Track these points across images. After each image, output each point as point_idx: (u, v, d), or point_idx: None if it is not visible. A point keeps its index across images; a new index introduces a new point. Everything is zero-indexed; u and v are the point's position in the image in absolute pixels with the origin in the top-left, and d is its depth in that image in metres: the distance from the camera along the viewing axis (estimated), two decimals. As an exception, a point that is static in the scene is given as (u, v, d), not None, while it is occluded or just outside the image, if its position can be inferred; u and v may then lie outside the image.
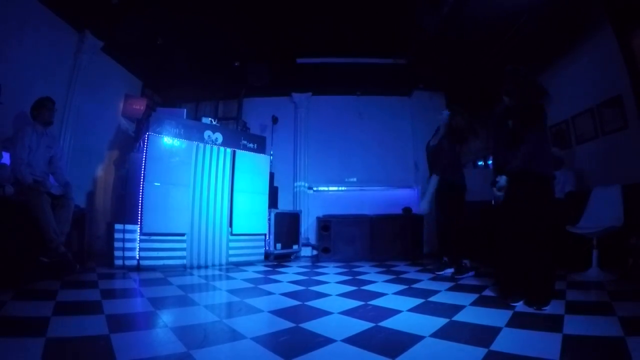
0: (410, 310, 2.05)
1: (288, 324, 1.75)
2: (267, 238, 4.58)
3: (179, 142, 3.84)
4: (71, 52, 3.95)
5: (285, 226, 4.80)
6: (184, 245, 3.75)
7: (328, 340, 1.51)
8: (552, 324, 1.67)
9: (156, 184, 3.61)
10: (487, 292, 2.49)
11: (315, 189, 5.82)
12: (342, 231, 4.76)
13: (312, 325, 1.74)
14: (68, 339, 1.40)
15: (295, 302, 2.25)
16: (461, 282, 2.99)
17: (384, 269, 3.81)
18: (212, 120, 4.39)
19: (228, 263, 4.06)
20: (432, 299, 2.34)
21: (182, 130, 3.90)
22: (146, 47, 4.40)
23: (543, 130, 2.21)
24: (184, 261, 3.72)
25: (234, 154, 4.27)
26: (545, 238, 2.10)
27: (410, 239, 4.85)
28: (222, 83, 5.68)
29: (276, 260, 4.58)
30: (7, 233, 2.45)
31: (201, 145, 4.00)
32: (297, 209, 5.44)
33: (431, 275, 3.37)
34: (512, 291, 2.15)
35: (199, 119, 4.40)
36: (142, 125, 4.19)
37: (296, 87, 5.93)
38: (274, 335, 1.59)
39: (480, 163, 7.92)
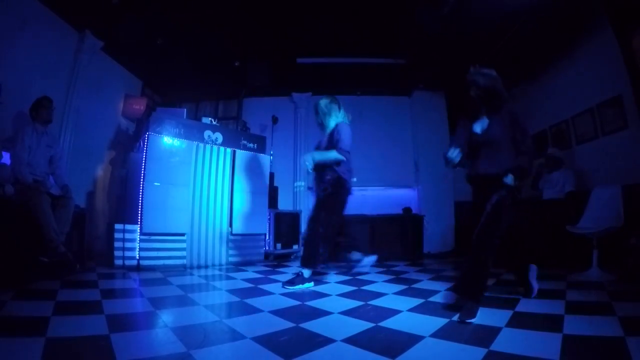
0: (410, 310, 2.04)
1: (288, 324, 1.75)
2: (267, 238, 4.58)
3: (179, 142, 3.84)
4: (71, 52, 3.95)
5: (285, 226, 4.80)
6: (184, 245, 3.75)
7: (328, 340, 1.51)
8: (552, 324, 1.67)
9: (156, 184, 3.61)
10: (487, 292, 2.49)
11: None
12: (342, 231, 4.76)
13: (312, 325, 1.74)
14: (68, 339, 1.40)
15: (295, 302, 2.25)
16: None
17: (384, 269, 3.80)
18: (212, 120, 4.38)
19: (228, 263, 4.06)
20: (432, 299, 2.34)
21: (182, 130, 3.89)
22: (146, 47, 4.40)
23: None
24: (184, 261, 3.72)
25: (234, 154, 4.27)
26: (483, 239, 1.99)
27: (411, 239, 4.85)
28: (222, 83, 5.68)
29: (276, 260, 4.57)
30: (7, 233, 2.45)
31: (201, 145, 4.00)
32: (297, 209, 5.44)
33: (431, 276, 3.37)
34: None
35: (199, 119, 4.40)
36: (142, 125, 4.19)
37: (296, 87, 5.93)
38: (274, 335, 1.58)
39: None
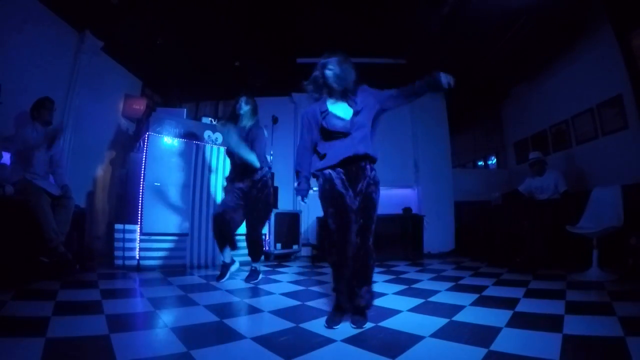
0: (410, 310, 2.05)
1: (288, 324, 1.75)
2: (267, 238, 4.58)
3: (179, 142, 3.84)
4: (71, 52, 3.95)
5: (285, 226, 4.79)
6: (184, 245, 3.75)
7: (328, 340, 1.52)
8: (552, 324, 1.67)
9: (156, 184, 3.61)
10: (487, 292, 2.49)
11: (315, 189, 5.81)
12: (342, 231, 4.76)
13: (312, 325, 1.74)
14: (68, 339, 1.40)
15: (295, 302, 2.25)
16: (461, 282, 2.99)
17: (384, 269, 3.81)
18: (212, 120, 4.38)
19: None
20: (432, 299, 2.34)
21: (182, 130, 3.90)
22: (146, 47, 4.40)
23: None
24: (184, 261, 3.72)
25: (234, 154, 4.27)
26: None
27: (411, 239, 4.85)
28: (222, 83, 5.68)
29: (276, 260, 4.57)
30: (7, 233, 2.45)
31: (201, 145, 4.00)
32: (297, 209, 5.43)
33: (431, 276, 3.37)
34: None
35: (199, 119, 4.40)
36: (142, 125, 4.19)
37: (296, 87, 5.91)
38: (274, 335, 1.59)
39: (480, 163, 7.92)
